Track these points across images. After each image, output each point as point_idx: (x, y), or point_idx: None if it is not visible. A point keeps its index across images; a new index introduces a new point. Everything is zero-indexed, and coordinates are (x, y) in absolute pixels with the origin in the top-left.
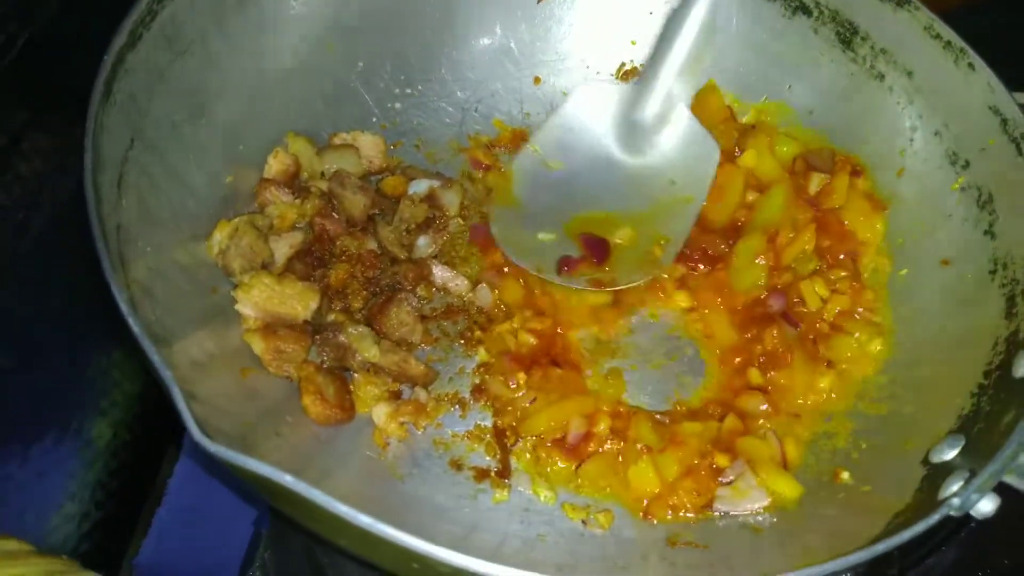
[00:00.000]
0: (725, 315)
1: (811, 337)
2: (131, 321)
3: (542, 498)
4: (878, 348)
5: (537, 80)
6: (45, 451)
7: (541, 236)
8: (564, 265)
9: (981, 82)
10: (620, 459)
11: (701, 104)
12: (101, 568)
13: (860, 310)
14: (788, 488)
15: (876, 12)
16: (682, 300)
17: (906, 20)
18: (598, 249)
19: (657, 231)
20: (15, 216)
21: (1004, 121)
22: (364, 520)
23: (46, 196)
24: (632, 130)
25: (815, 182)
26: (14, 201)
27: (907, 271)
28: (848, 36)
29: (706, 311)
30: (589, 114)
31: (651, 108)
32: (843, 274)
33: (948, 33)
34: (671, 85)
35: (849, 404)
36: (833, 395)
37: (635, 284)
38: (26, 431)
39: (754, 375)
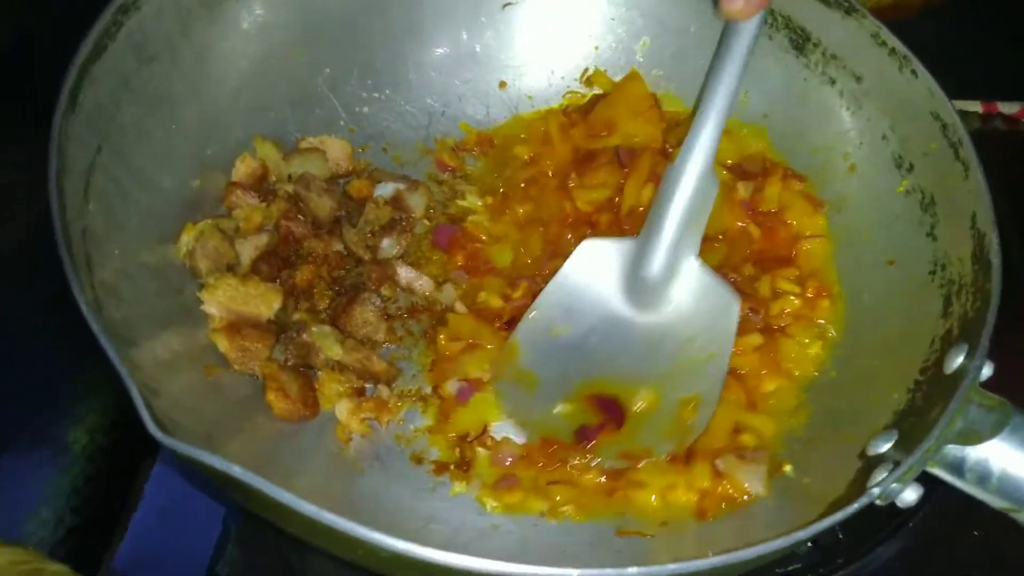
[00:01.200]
0: None
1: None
2: (90, 320)
3: (488, 508)
4: (817, 351)
5: (503, 84)
6: (19, 455)
7: (557, 411)
8: (583, 437)
9: (923, 88)
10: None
11: (622, 92)
12: (78, 572)
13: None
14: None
15: (826, 19)
16: None
17: (854, 27)
18: (613, 411)
19: (683, 393)
20: None
21: (944, 126)
22: (309, 508)
23: (20, 206)
24: (640, 286)
25: (742, 189)
26: None
27: (853, 271)
28: (800, 42)
29: None
30: (591, 273)
31: (658, 262)
32: (793, 272)
33: (893, 41)
34: (676, 237)
35: (793, 402)
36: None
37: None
38: (0, 434)
39: None
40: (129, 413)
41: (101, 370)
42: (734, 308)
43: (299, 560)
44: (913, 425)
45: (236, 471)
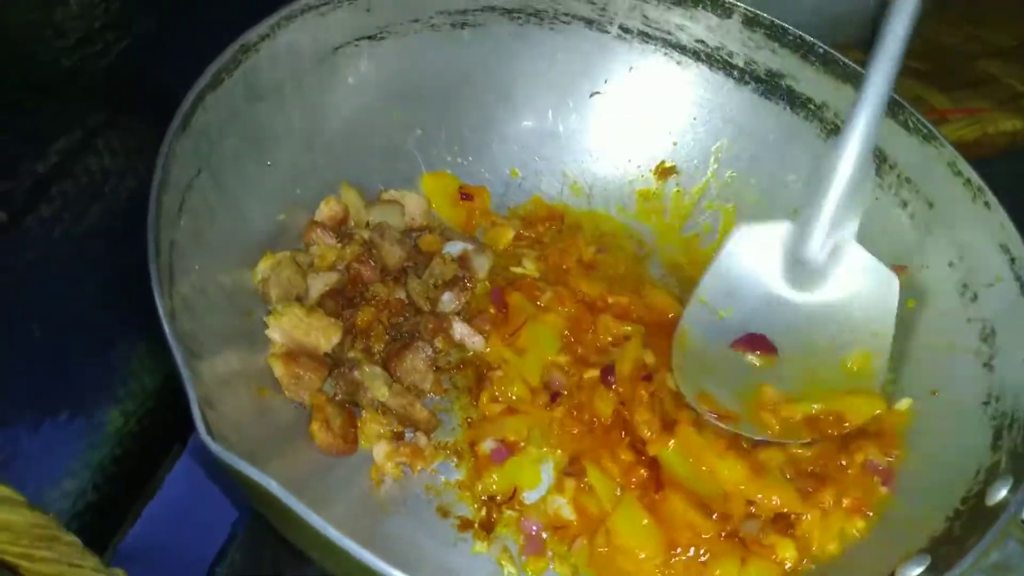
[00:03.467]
0: None
1: None
2: (166, 326)
3: (505, 572)
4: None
5: (578, 164)
6: (57, 426)
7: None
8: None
9: (995, 221)
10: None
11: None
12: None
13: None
14: None
15: (905, 143)
16: None
17: (932, 154)
18: (763, 344)
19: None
20: (78, 204)
21: (1012, 260)
22: (333, 534)
23: (109, 190)
24: (799, 268)
25: None
26: (80, 190)
27: (909, 402)
28: (877, 162)
29: None
30: (750, 257)
31: (816, 243)
32: None
33: (969, 171)
34: (834, 218)
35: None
36: None
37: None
38: (43, 402)
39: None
40: (164, 404)
41: (147, 359)
42: (894, 286)
43: (295, 573)
44: (947, 553)
45: (274, 487)
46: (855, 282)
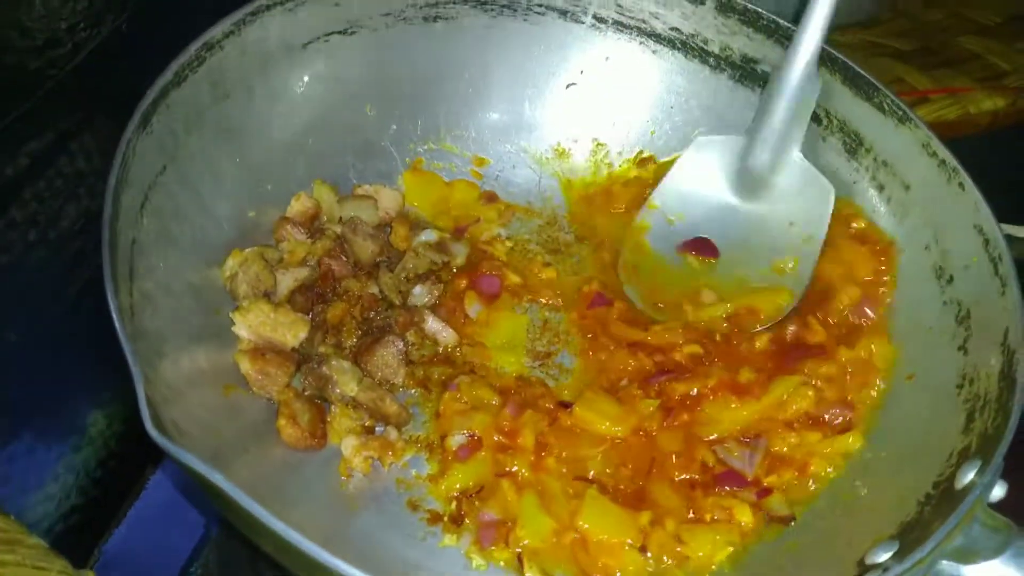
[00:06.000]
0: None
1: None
2: (116, 320)
3: (474, 564)
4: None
5: (559, 153)
6: (39, 429)
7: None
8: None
9: (969, 202)
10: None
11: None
12: (72, 550)
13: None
14: None
15: (881, 125)
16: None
17: (907, 136)
18: (708, 246)
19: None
20: (52, 206)
21: (987, 241)
22: (279, 526)
23: (84, 192)
24: (747, 177)
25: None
26: (54, 193)
27: (884, 384)
28: (854, 146)
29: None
30: (705, 166)
31: (763, 154)
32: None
33: (943, 152)
34: (781, 132)
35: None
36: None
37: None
38: (23, 405)
39: None
40: None
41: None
42: (830, 196)
43: (271, 570)
44: (916, 538)
45: (219, 479)
46: (795, 191)
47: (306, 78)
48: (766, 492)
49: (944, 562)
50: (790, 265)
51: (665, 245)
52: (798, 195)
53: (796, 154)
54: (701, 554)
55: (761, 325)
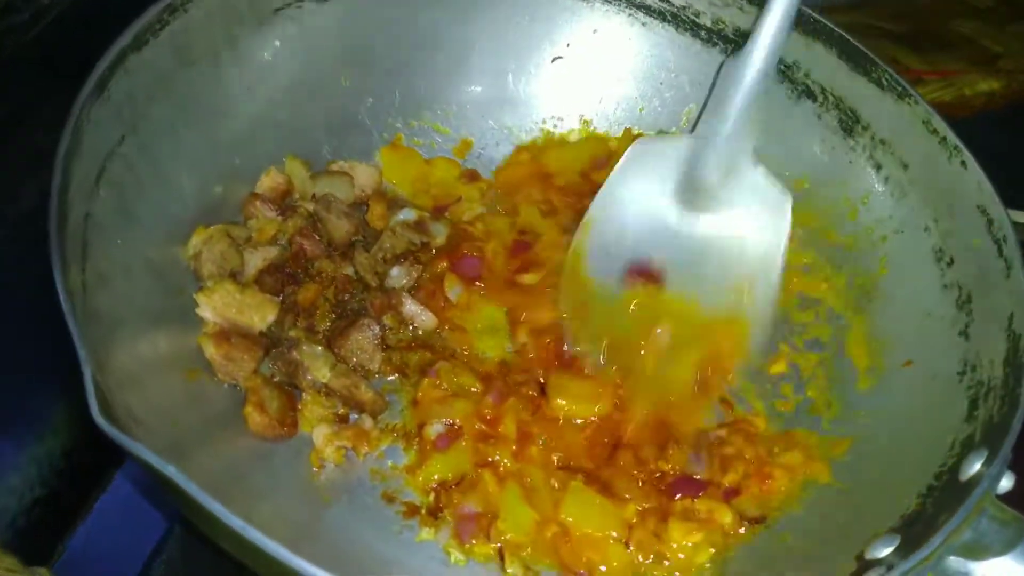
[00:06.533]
0: None
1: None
2: (62, 299)
3: (452, 559)
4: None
5: (543, 131)
6: None
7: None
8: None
9: (972, 181)
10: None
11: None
12: (35, 545)
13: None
14: None
15: (878, 101)
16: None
17: (906, 112)
18: (649, 274)
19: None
20: (11, 184)
21: (990, 221)
22: (237, 523)
23: (45, 168)
24: (694, 187)
25: None
26: (13, 169)
27: (877, 371)
28: (850, 124)
29: None
30: (643, 176)
31: (713, 162)
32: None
33: (944, 129)
34: (734, 136)
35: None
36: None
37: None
38: None
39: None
40: None
41: None
42: (786, 207)
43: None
44: (919, 532)
45: (171, 471)
46: (748, 203)
47: (277, 43)
48: (733, 493)
49: (952, 558)
50: (746, 287)
51: (606, 272)
52: (749, 207)
53: (750, 158)
54: (682, 555)
55: (728, 374)
